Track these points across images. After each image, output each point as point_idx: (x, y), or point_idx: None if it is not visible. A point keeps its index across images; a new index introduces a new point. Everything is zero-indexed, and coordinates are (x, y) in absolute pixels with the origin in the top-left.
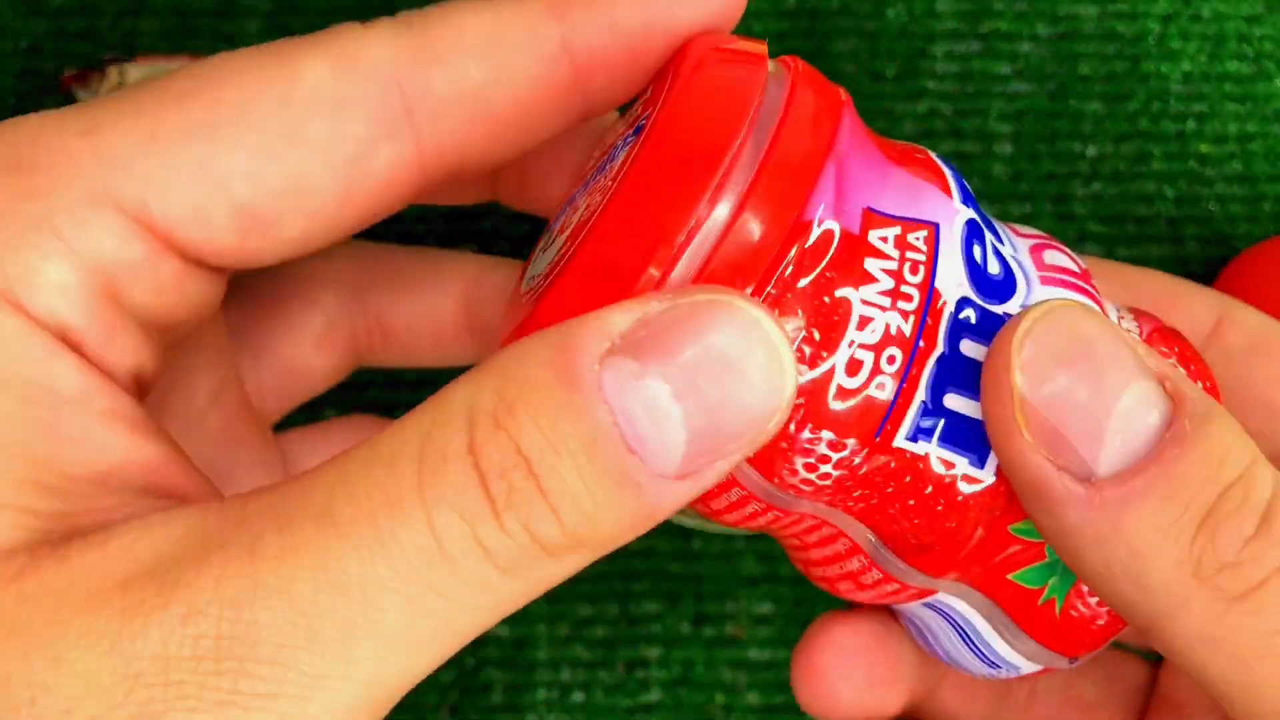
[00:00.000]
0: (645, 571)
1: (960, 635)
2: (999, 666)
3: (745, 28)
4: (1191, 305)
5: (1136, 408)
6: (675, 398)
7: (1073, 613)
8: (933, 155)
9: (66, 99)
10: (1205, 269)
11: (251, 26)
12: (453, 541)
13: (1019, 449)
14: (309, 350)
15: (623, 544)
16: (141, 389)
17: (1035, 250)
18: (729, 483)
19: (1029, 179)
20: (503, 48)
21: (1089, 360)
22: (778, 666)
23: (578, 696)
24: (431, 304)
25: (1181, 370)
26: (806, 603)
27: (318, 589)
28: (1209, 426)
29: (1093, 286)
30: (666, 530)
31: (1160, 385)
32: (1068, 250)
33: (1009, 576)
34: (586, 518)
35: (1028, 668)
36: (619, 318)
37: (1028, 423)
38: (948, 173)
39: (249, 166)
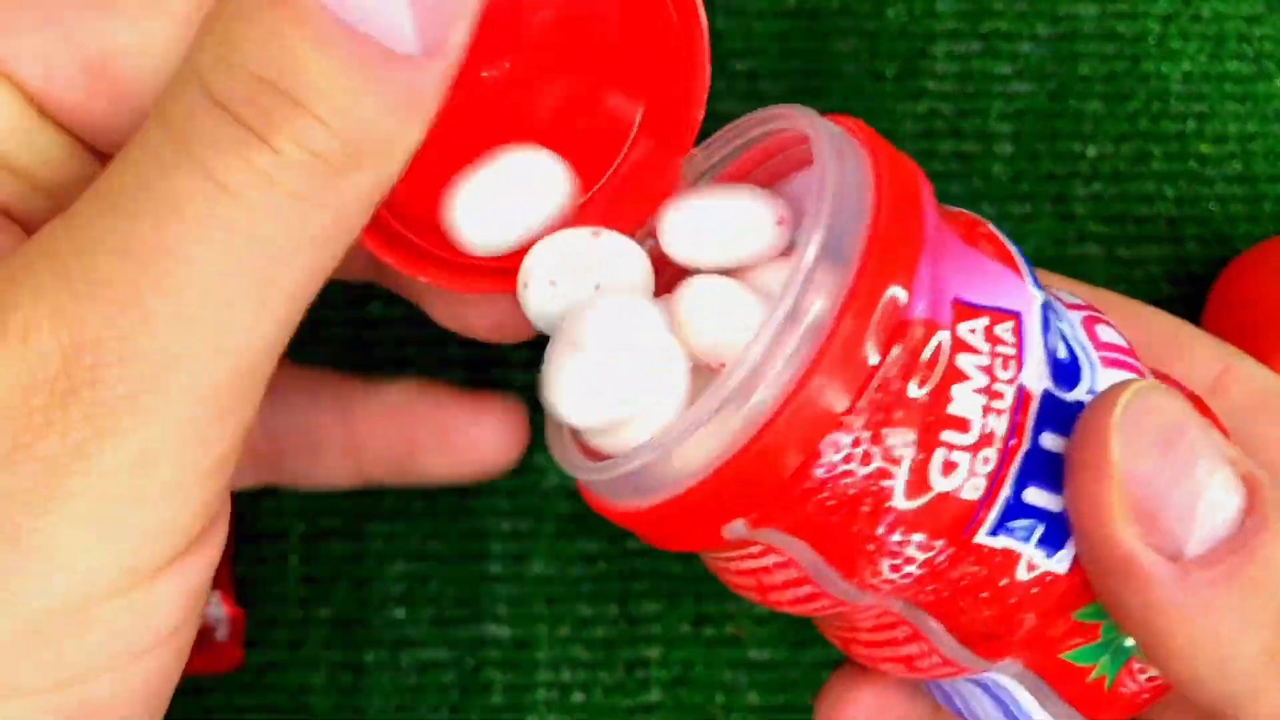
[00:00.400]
0: (645, 572)
1: (998, 704)
2: None
3: (745, 27)
4: (1195, 353)
5: (1223, 492)
6: None
7: (1121, 689)
8: (994, 229)
9: None
10: (1205, 269)
11: None
12: (229, 174)
13: (1112, 527)
14: None
15: (406, 145)
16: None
17: (1087, 325)
18: (799, 579)
19: (1029, 179)
20: None
21: (1182, 443)
22: (777, 667)
23: (578, 697)
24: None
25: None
26: None
27: (131, 277)
28: None
29: (1138, 360)
30: None
31: (1235, 470)
32: (1111, 321)
33: (1061, 656)
34: (349, 114)
35: None
36: None
37: (1123, 501)
38: (1014, 251)
39: (101, 24)
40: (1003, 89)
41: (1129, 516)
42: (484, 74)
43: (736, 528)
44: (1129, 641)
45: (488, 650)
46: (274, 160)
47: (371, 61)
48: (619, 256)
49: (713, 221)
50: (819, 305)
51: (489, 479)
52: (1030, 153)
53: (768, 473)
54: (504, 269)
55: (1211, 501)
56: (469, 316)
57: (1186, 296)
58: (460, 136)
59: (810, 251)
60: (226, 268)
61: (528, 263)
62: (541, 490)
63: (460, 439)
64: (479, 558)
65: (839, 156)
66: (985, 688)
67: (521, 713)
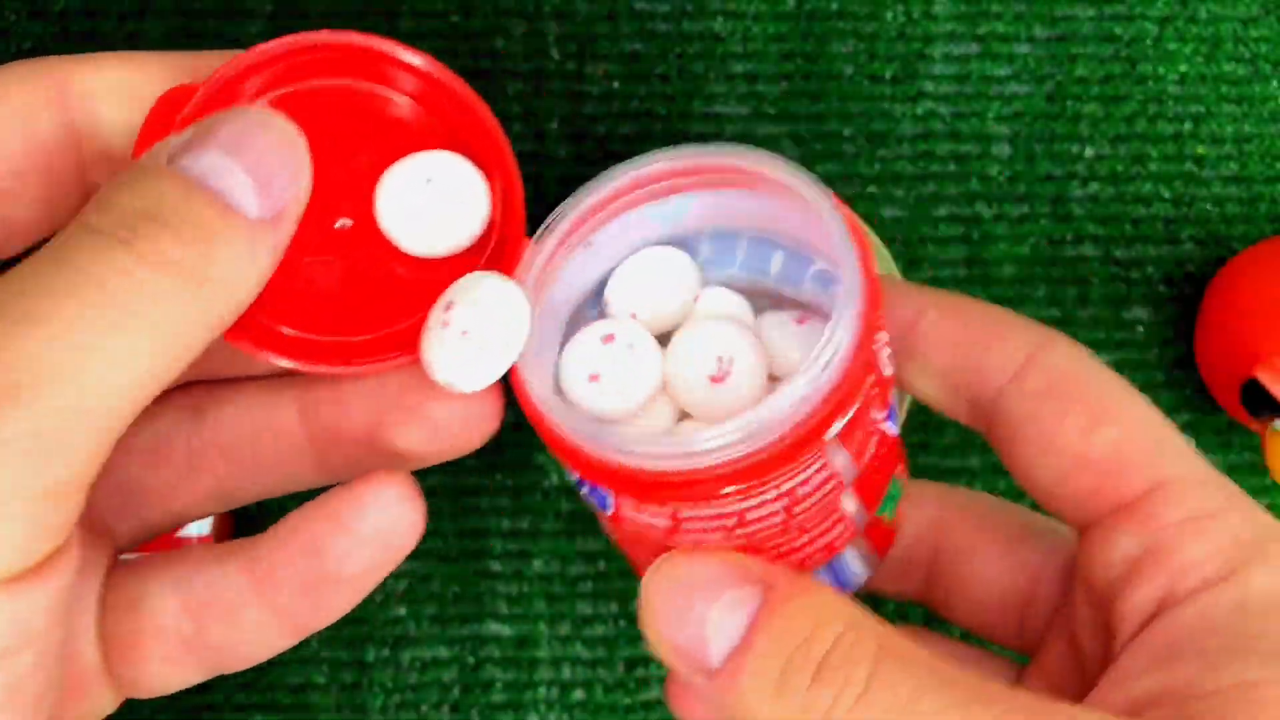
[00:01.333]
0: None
1: (830, 571)
2: (851, 584)
3: (744, 29)
4: (1007, 340)
5: (727, 611)
6: (231, 157)
7: (888, 521)
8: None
9: None
10: (1202, 269)
11: (254, 28)
12: (94, 267)
13: (673, 669)
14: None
15: (247, 283)
16: None
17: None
18: (824, 492)
19: (1026, 180)
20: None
21: (685, 589)
22: None
23: (578, 694)
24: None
25: (779, 566)
26: None
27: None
28: (785, 608)
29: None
30: None
31: (753, 588)
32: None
33: (876, 514)
34: (203, 239)
35: (866, 576)
36: (176, 136)
37: (668, 650)
38: None
39: None
40: (1000, 91)
41: (668, 652)
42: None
43: (834, 432)
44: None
45: (489, 648)
46: (133, 258)
47: (225, 212)
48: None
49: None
50: (845, 338)
51: (467, 452)
52: (1028, 154)
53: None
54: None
55: (718, 623)
56: (411, 433)
57: (1183, 296)
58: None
59: (846, 316)
60: (76, 335)
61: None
62: (542, 489)
63: (434, 410)
64: (480, 556)
65: (836, 215)
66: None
67: (522, 710)
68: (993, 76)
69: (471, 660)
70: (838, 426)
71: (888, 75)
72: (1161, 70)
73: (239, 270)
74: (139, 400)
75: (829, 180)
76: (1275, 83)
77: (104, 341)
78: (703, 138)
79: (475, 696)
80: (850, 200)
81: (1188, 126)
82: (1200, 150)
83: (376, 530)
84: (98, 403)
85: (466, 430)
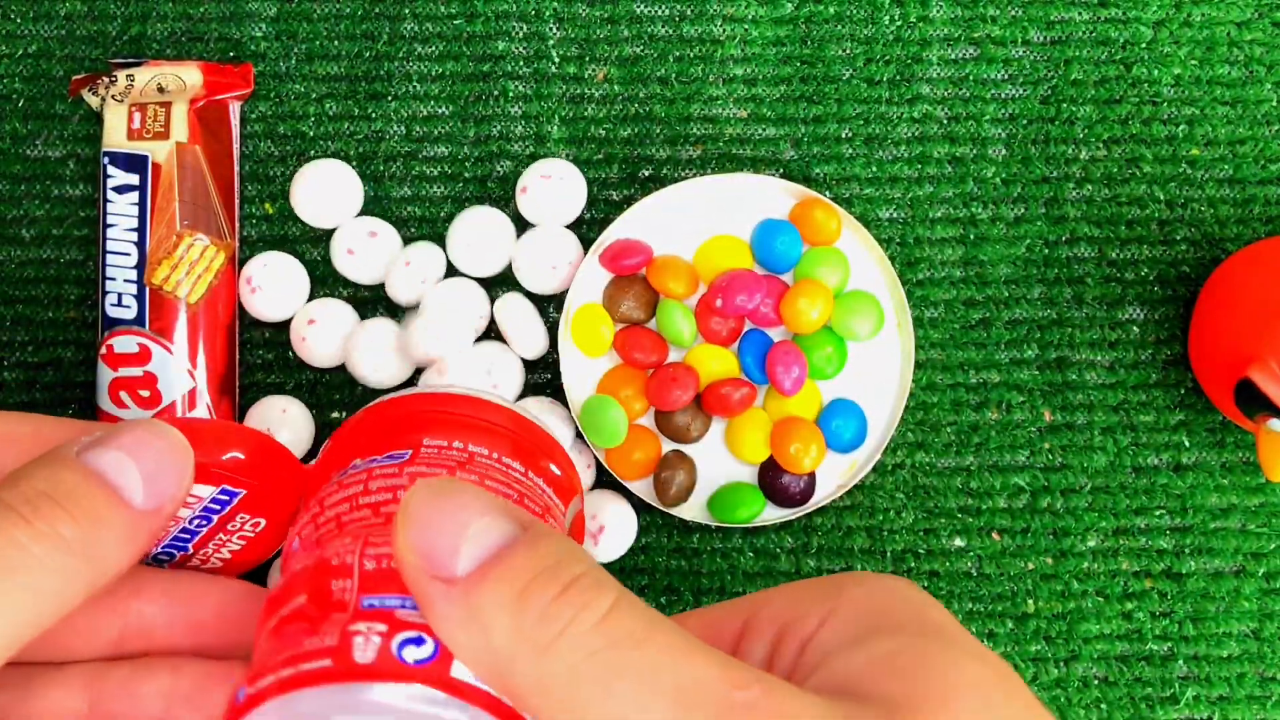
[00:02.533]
0: (644, 567)
1: None
2: None
3: (742, 33)
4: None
5: (488, 528)
6: (129, 456)
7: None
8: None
9: (76, 103)
10: (1196, 270)
11: (257, 31)
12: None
13: (401, 563)
14: None
15: (120, 560)
16: None
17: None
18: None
19: (1022, 182)
20: None
21: (451, 498)
22: None
23: None
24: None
25: (544, 521)
26: None
27: None
28: (539, 539)
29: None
30: (665, 526)
31: (507, 514)
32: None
33: None
34: (91, 522)
35: None
36: (83, 438)
37: (408, 543)
38: None
39: None
40: (996, 94)
41: (413, 552)
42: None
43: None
44: None
45: None
46: (31, 533)
47: (115, 501)
48: None
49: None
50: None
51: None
52: (1023, 156)
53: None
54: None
55: (475, 533)
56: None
57: (1177, 297)
58: None
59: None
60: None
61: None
62: None
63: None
64: None
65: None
66: None
67: None
68: (988, 79)
69: None
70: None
71: (884, 78)
72: (1156, 73)
73: (119, 550)
74: (6, 652)
75: (827, 182)
76: (1269, 85)
77: None
78: (701, 140)
79: None
80: (847, 201)
81: (1182, 129)
82: (1194, 152)
83: None
84: None
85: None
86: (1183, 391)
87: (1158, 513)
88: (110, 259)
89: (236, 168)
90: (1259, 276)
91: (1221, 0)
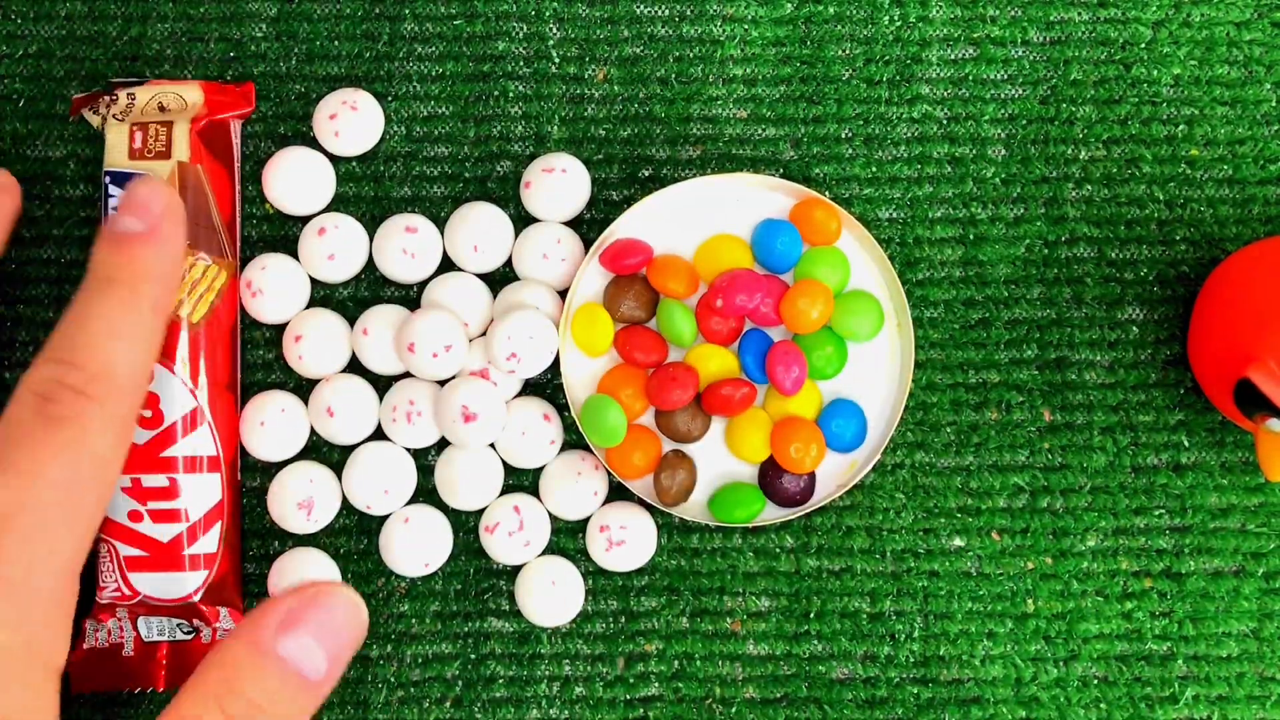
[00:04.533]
0: (644, 568)
1: None
2: None
3: (742, 34)
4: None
5: None
6: (316, 641)
7: None
8: None
9: (79, 123)
10: (1195, 270)
11: (257, 31)
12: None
13: None
14: None
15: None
16: None
17: None
18: None
19: (1021, 182)
20: None
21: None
22: (774, 660)
23: (579, 689)
24: None
25: None
26: (803, 598)
27: None
28: None
29: None
30: (665, 526)
31: None
32: None
33: None
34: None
35: None
36: (273, 619)
37: None
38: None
39: None
40: (995, 94)
41: None
42: None
43: None
44: None
45: (491, 644)
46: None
47: (308, 691)
48: None
49: None
50: None
51: None
52: (1022, 156)
53: None
54: None
55: None
56: None
57: (1177, 297)
58: None
59: None
60: None
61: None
62: None
63: None
64: (481, 553)
65: None
66: None
67: (523, 706)
68: (988, 80)
69: (473, 655)
70: None
71: (884, 78)
72: (1155, 73)
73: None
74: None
75: (827, 182)
76: (1268, 86)
77: None
78: (701, 140)
79: (477, 692)
80: (847, 202)
81: (1181, 129)
82: (1194, 152)
83: None
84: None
85: None
86: (1182, 391)
87: (1157, 512)
88: None
89: (238, 187)
90: (1258, 276)
91: (1221, 0)
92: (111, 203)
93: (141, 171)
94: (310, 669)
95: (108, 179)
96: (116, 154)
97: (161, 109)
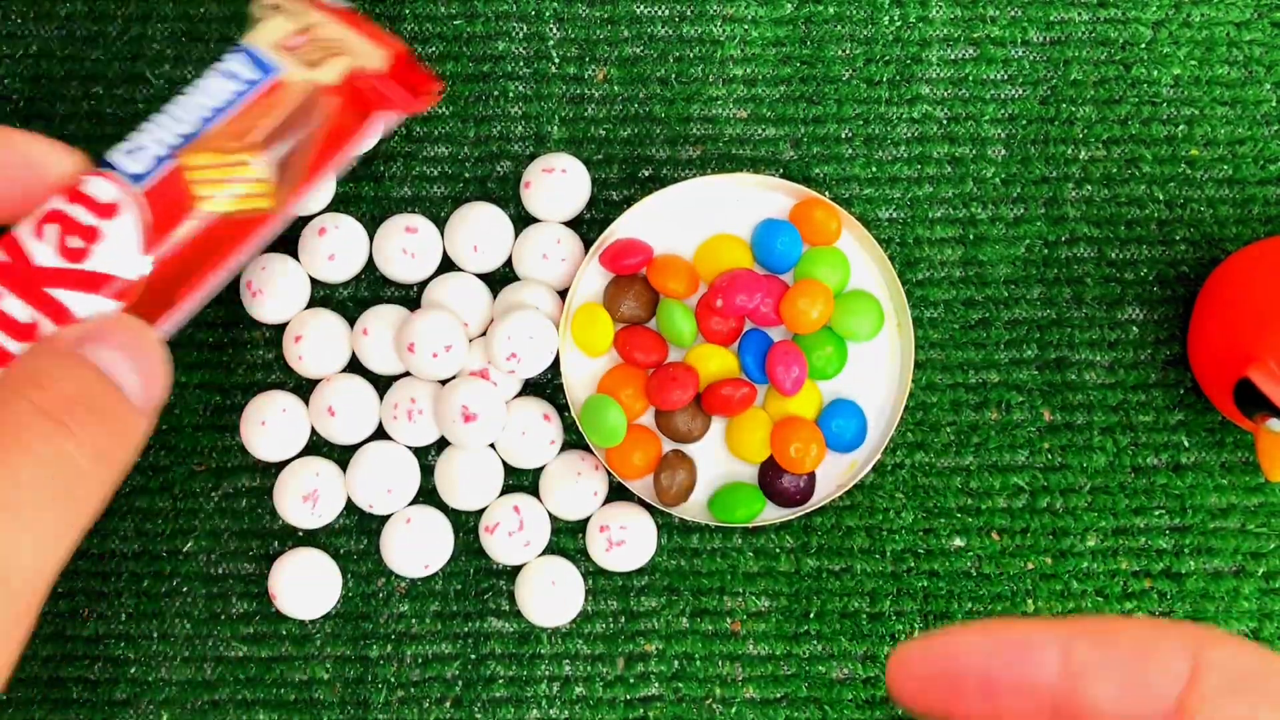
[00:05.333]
0: (644, 568)
1: None
2: None
3: (742, 34)
4: (1163, 652)
5: None
6: (127, 357)
7: None
8: None
9: (75, 103)
10: (1195, 270)
11: None
12: (46, 446)
13: None
14: None
15: (120, 460)
16: None
17: None
18: None
19: (1021, 182)
20: None
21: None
22: (774, 661)
23: (579, 689)
24: None
25: None
26: (803, 598)
27: None
28: None
29: None
30: (665, 526)
31: None
32: None
33: None
34: (115, 443)
35: None
36: (75, 328)
37: None
38: None
39: None
40: (995, 94)
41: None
42: None
43: None
44: None
45: (491, 644)
46: (76, 443)
47: (128, 407)
48: None
49: None
50: None
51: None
52: (1022, 156)
53: None
54: None
55: None
56: None
57: (1177, 297)
58: None
59: None
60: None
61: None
62: None
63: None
64: (481, 553)
65: None
66: None
67: (523, 706)
68: (988, 80)
69: (473, 656)
70: None
71: (884, 78)
72: (1155, 73)
73: (129, 457)
74: (46, 570)
75: (827, 182)
76: (1268, 86)
77: (38, 516)
78: (701, 140)
79: (477, 692)
80: (847, 202)
81: (1181, 129)
82: (1193, 152)
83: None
84: (16, 570)
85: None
86: (1182, 391)
87: (1157, 513)
88: (160, 117)
89: (333, 171)
90: (1258, 277)
91: (1221, 0)
92: (222, 66)
93: (279, 65)
94: (126, 384)
95: (237, 49)
96: (265, 36)
97: (332, 44)
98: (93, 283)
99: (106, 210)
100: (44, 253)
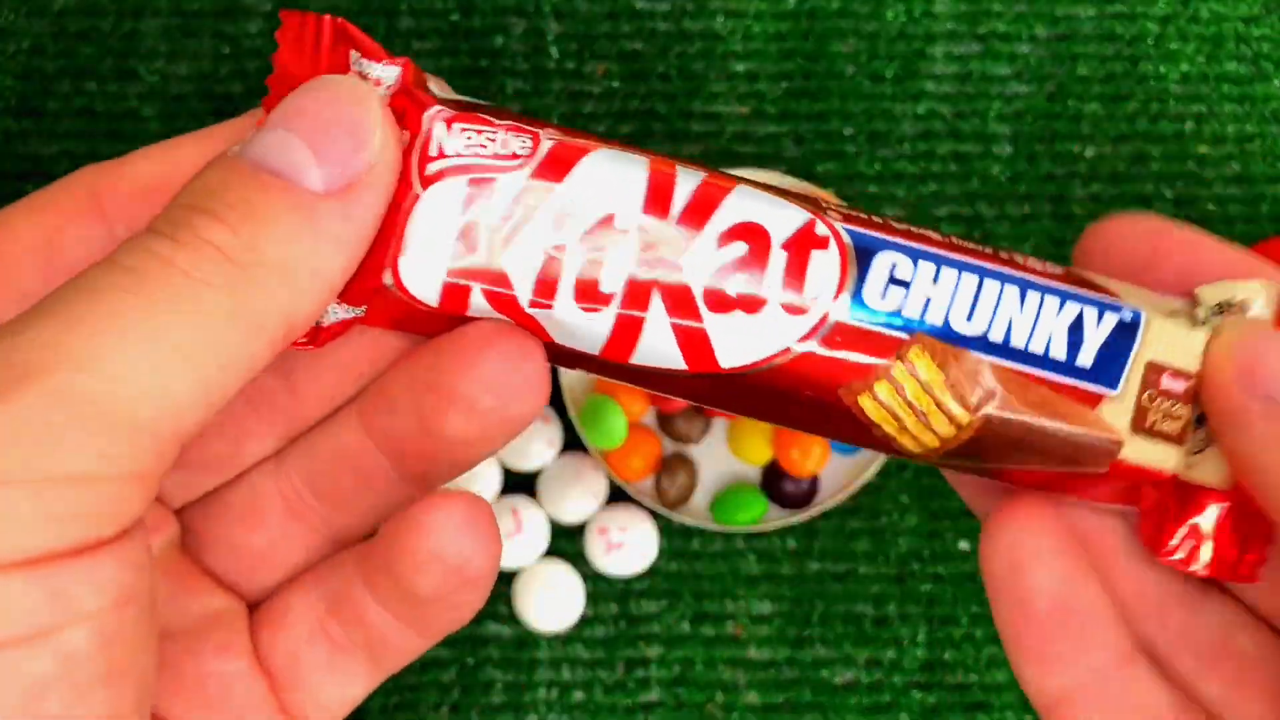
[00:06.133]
0: (645, 571)
1: None
2: None
3: (745, 28)
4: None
5: None
6: (286, 130)
7: None
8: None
9: (68, 100)
10: None
11: (253, 27)
12: (130, 258)
13: (1223, 379)
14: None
15: (313, 269)
16: None
17: None
18: None
19: (1028, 180)
20: None
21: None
22: (777, 665)
23: (578, 695)
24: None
25: None
26: (805, 602)
27: (55, 318)
28: None
29: None
30: (665, 529)
31: None
32: None
33: None
34: (251, 221)
35: None
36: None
37: (1231, 361)
38: None
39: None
40: (1001, 90)
41: (1236, 372)
42: None
43: None
44: None
45: (489, 649)
46: (171, 245)
47: (280, 190)
48: None
49: None
50: None
51: (522, 428)
52: (1029, 154)
53: None
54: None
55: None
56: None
57: None
58: None
59: None
60: (102, 317)
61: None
62: None
63: (467, 388)
64: None
65: None
66: None
67: (521, 711)
68: (994, 76)
69: (471, 661)
70: None
71: (889, 74)
72: (1163, 70)
73: (299, 248)
74: (187, 398)
75: (830, 180)
76: (1277, 82)
77: (140, 330)
78: (703, 137)
79: (475, 697)
80: (852, 199)
81: (1189, 126)
82: (1202, 150)
83: (438, 553)
84: (127, 392)
85: (506, 405)
86: None
87: None
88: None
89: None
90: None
91: None
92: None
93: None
94: (288, 165)
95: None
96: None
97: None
98: None
99: None
100: None
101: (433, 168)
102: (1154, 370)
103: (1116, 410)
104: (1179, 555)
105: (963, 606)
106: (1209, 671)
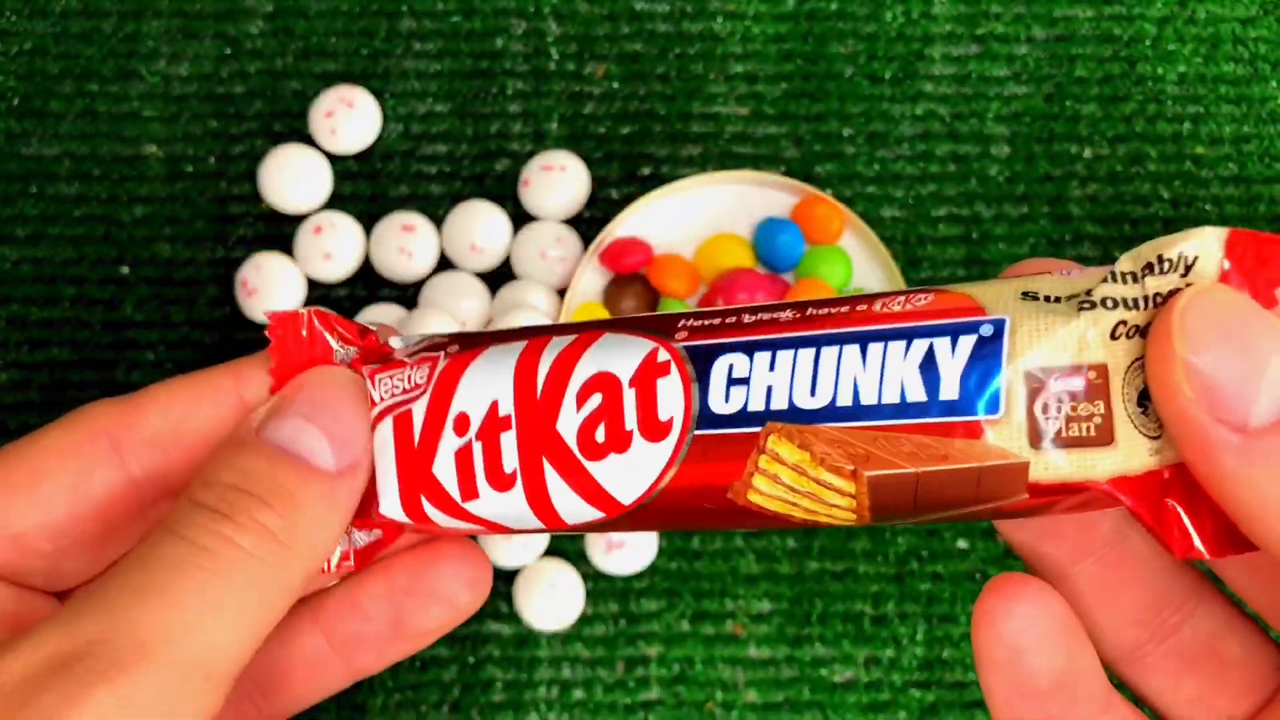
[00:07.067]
0: (644, 570)
1: None
2: None
3: (744, 30)
4: None
5: None
6: (307, 420)
7: None
8: None
9: (70, 101)
10: None
11: (253, 28)
12: (201, 536)
13: (1181, 405)
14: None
15: (329, 533)
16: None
17: None
18: None
19: (1026, 181)
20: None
21: (1242, 331)
22: (776, 664)
23: (578, 694)
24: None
25: None
26: (805, 600)
27: (121, 598)
28: None
29: None
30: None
31: None
32: None
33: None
34: (291, 505)
35: None
36: (260, 410)
37: (1188, 382)
38: None
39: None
40: (999, 91)
41: (1194, 396)
42: None
43: None
44: None
45: (489, 647)
46: (234, 527)
47: (306, 473)
48: None
49: None
50: None
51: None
52: (1027, 154)
53: None
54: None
55: (1272, 379)
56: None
57: None
58: None
59: None
60: (190, 594)
61: None
62: None
63: (439, 583)
64: None
65: None
66: None
67: (522, 710)
68: (992, 77)
69: (471, 659)
70: None
71: (887, 76)
72: (1160, 71)
73: (322, 525)
74: (247, 653)
75: (829, 180)
76: (1274, 83)
77: (220, 603)
78: (702, 138)
79: (475, 696)
80: (850, 200)
81: (1186, 127)
82: (1199, 150)
83: (443, 594)
84: (215, 656)
85: (474, 594)
86: None
87: None
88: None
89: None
90: None
91: None
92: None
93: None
94: (312, 454)
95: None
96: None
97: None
98: None
99: None
100: None
101: (372, 414)
102: (1035, 378)
103: (1006, 433)
104: (1190, 545)
105: (961, 605)
106: (1190, 673)
